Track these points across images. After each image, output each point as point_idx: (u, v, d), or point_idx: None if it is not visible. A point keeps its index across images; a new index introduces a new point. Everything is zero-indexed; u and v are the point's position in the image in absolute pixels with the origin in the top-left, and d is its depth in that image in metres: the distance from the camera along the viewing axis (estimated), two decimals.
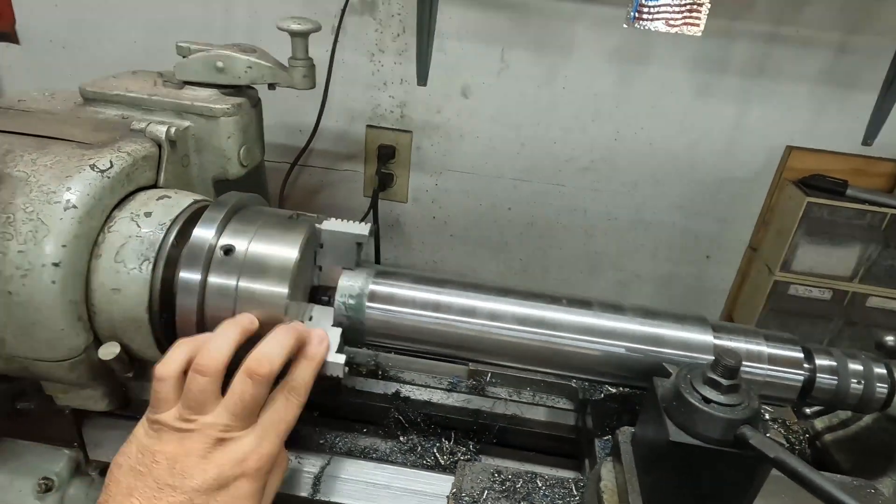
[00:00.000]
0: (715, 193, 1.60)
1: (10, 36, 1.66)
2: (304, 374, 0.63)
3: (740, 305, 1.68)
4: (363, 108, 1.62)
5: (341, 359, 0.74)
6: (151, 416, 0.59)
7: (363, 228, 0.75)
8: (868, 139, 1.28)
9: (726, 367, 0.57)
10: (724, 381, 0.57)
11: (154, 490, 0.54)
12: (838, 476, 0.76)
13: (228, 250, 0.70)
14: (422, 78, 1.33)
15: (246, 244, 0.72)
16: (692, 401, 0.57)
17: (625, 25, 1.27)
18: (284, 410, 0.61)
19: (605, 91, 1.52)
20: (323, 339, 0.67)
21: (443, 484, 0.79)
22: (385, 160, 1.65)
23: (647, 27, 1.30)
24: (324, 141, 1.63)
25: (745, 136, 1.51)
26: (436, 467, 0.83)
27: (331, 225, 0.75)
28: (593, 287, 1.78)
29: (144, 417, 0.60)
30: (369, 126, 1.64)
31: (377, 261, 1.72)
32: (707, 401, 0.57)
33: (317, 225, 0.74)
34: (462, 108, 1.58)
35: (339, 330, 0.76)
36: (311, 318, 0.78)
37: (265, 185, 1.18)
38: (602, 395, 0.93)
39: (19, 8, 1.63)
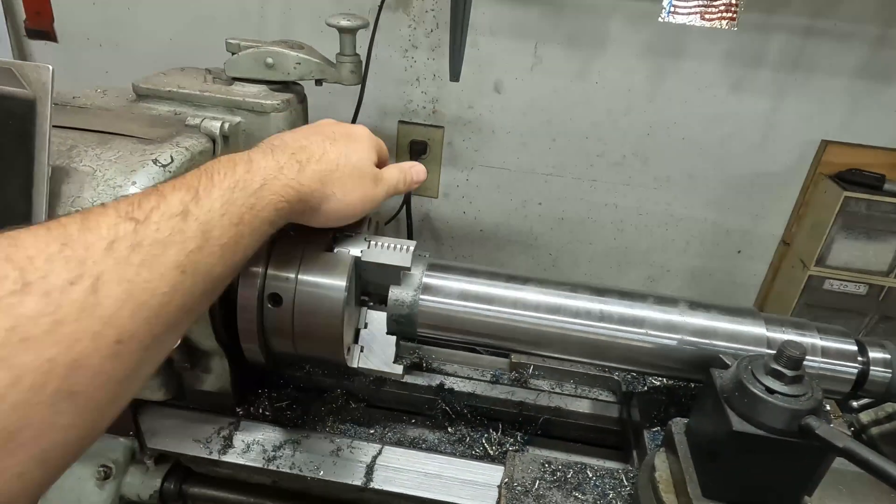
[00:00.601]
0: (748, 188, 1.59)
1: (48, 34, 1.69)
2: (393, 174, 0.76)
3: (772, 300, 1.67)
4: (395, 104, 1.63)
5: (399, 369, 0.76)
6: None
7: (405, 258, 0.74)
8: None
9: (791, 358, 0.57)
10: (788, 372, 0.57)
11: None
12: None
13: (276, 301, 0.72)
14: (454, 74, 1.34)
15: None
16: (755, 391, 0.58)
17: (661, 20, 1.27)
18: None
19: (639, 86, 1.51)
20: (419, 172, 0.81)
21: (493, 474, 0.80)
22: (417, 155, 1.65)
23: (683, 21, 1.29)
24: None
25: (779, 131, 1.50)
26: (485, 457, 0.84)
27: (371, 255, 0.74)
28: (623, 282, 1.77)
29: None
30: (401, 122, 1.65)
31: None
32: (771, 391, 0.57)
33: (358, 255, 0.73)
34: (494, 103, 1.59)
35: (394, 338, 0.77)
36: (366, 326, 0.79)
37: None
38: (646, 388, 0.93)
39: (57, 6, 1.66)
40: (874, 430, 0.89)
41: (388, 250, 0.74)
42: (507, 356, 1.01)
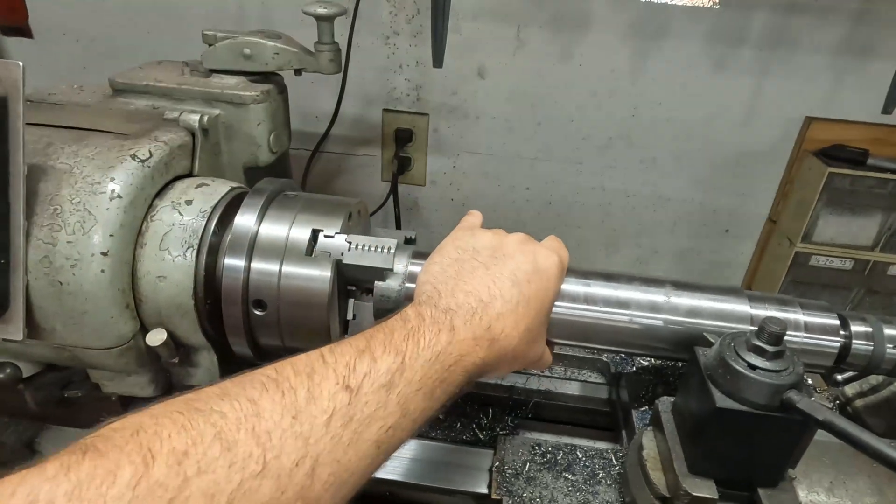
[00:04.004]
0: (733, 167, 1.59)
1: (23, 30, 1.66)
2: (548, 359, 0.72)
3: (760, 278, 1.68)
4: (379, 92, 1.62)
5: None
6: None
7: (386, 259, 0.72)
8: (888, 108, 1.27)
9: (772, 334, 0.58)
10: (769, 348, 0.58)
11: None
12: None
13: (261, 306, 0.71)
14: (437, 60, 1.33)
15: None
16: (738, 368, 0.58)
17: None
18: None
19: (622, 67, 1.51)
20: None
21: (484, 458, 0.81)
22: (402, 144, 1.65)
23: (665, 0, 1.29)
24: (340, 126, 1.63)
25: (763, 109, 1.51)
26: (476, 442, 0.85)
27: (353, 258, 0.72)
28: (612, 264, 1.78)
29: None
30: (385, 110, 1.64)
31: None
32: (753, 367, 0.58)
33: (339, 258, 0.72)
34: (478, 88, 1.58)
35: None
36: (353, 317, 0.79)
37: (290, 172, 1.19)
38: (634, 369, 0.94)
39: (32, 2, 1.63)
40: (859, 403, 0.90)
41: (369, 252, 0.73)
42: None
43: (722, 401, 0.58)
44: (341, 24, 1.41)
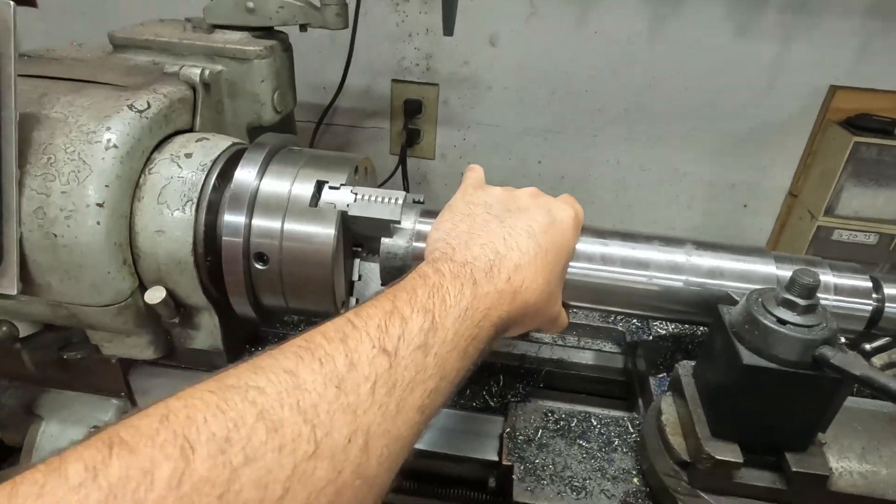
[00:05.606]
0: (754, 139, 1.54)
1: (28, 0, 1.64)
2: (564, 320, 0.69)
3: None
4: (388, 62, 1.58)
5: None
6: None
7: (394, 211, 0.69)
8: None
9: (804, 286, 0.54)
10: (801, 301, 0.54)
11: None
12: None
13: (263, 259, 0.69)
14: (448, 27, 1.28)
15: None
16: (767, 323, 0.55)
17: None
18: None
19: (639, 35, 1.46)
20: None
21: (494, 425, 0.78)
22: (411, 115, 1.61)
23: None
24: (348, 98, 1.59)
25: (786, 77, 1.45)
26: (486, 409, 0.82)
27: (359, 209, 0.69)
28: None
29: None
30: (394, 80, 1.60)
31: None
32: (783, 322, 0.54)
33: (345, 209, 0.69)
34: (490, 57, 1.54)
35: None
36: (359, 278, 0.76)
37: (296, 135, 1.16)
38: (651, 337, 0.91)
39: None
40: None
41: (376, 203, 0.70)
42: None
43: (749, 358, 0.55)
44: None
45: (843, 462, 0.59)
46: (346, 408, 0.38)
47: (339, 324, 0.44)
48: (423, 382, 0.44)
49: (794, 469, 0.57)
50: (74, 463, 0.30)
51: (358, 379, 0.40)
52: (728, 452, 0.57)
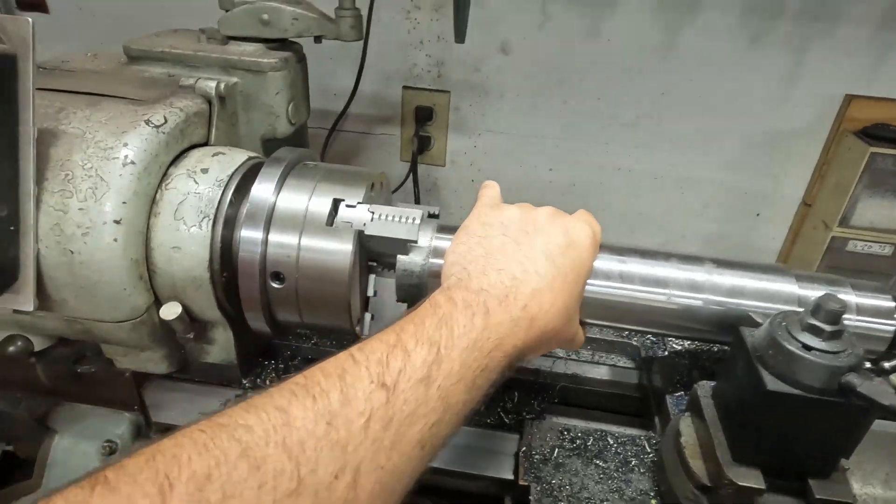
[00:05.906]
0: (767, 147, 1.53)
1: (40, 5, 1.64)
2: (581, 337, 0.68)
3: (792, 264, 1.61)
4: (399, 69, 1.57)
5: None
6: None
7: (411, 231, 0.69)
8: None
9: (830, 312, 0.53)
10: (826, 327, 0.53)
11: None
12: None
13: (280, 278, 0.69)
14: (460, 35, 1.28)
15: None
16: (791, 348, 0.54)
17: None
18: None
19: (652, 43, 1.45)
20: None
21: (509, 442, 0.78)
22: (422, 122, 1.61)
23: None
24: (358, 104, 1.58)
25: (800, 86, 1.44)
26: (501, 426, 0.81)
27: (376, 229, 0.69)
28: None
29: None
30: (405, 87, 1.60)
31: None
32: (808, 348, 0.54)
33: (361, 228, 0.69)
34: (501, 65, 1.53)
35: (405, 306, 0.73)
36: (374, 294, 0.76)
37: (308, 147, 1.15)
38: (667, 353, 0.90)
39: None
40: None
41: (393, 222, 0.70)
42: None
43: (773, 383, 0.54)
44: None
45: (868, 488, 0.59)
46: (335, 444, 0.38)
47: (340, 359, 0.44)
48: (425, 416, 0.44)
49: (817, 496, 0.56)
50: (58, 501, 0.32)
51: (351, 415, 0.40)
52: (751, 479, 0.56)
